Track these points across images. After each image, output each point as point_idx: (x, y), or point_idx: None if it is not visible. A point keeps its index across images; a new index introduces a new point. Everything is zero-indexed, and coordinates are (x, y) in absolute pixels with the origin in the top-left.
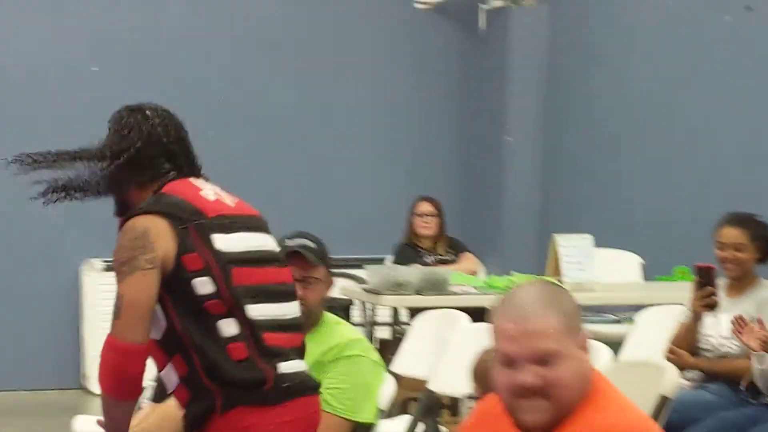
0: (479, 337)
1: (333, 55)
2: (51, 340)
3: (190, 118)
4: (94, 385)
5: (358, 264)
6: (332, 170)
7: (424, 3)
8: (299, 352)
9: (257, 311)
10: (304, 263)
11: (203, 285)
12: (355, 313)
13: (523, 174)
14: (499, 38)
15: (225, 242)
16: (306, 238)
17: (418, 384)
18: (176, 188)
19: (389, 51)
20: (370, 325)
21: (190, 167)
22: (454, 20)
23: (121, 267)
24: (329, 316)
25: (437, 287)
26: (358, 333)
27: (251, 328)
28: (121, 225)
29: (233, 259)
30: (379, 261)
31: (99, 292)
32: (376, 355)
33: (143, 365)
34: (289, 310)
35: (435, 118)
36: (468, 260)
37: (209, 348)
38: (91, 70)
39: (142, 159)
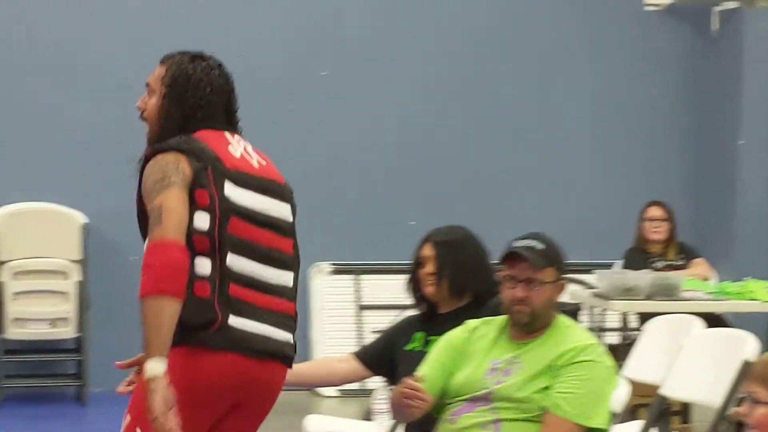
0: (713, 343)
1: (564, 60)
2: None
3: (418, 119)
4: (325, 388)
5: (587, 269)
6: (564, 175)
7: (655, 5)
8: (278, 320)
9: (235, 262)
10: (528, 264)
11: (201, 220)
12: (583, 318)
13: (756, 178)
14: (732, 40)
15: (234, 192)
16: (537, 239)
17: (649, 389)
18: (205, 136)
19: (620, 54)
20: (598, 330)
21: (228, 122)
22: (685, 22)
23: (155, 185)
24: (562, 320)
25: (668, 292)
26: (593, 337)
27: (222, 275)
28: (147, 159)
29: (236, 210)
30: (608, 266)
31: (327, 294)
32: (609, 361)
33: (188, 263)
34: (275, 275)
35: (666, 122)
36: (700, 266)
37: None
38: (321, 75)
39: (196, 105)
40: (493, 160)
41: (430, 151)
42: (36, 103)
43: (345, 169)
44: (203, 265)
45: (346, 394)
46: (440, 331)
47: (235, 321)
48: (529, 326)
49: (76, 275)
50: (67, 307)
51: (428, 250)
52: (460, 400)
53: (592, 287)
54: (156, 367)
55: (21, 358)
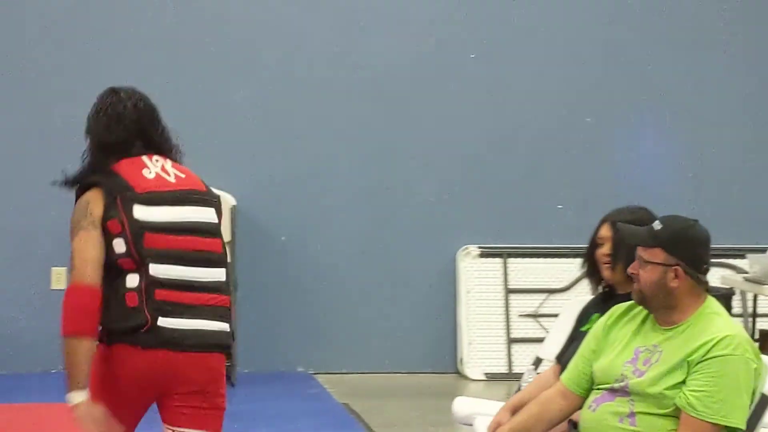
0: None
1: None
2: (428, 324)
3: (567, 103)
4: (471, 370)
5: (739, 253)
6: (716, 157)
7: None
8: (211, 313)
9: (159, 270)
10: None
11: (118, 245)
12: (736, 304)
13: None
14: None
15: (145, 213)
16: (663, 220)
17: None
18: (122, 166)
19: None
20: (750, 316)
21: (148, 146)
22: None
23: (72, 229)
24: (710, 306)
25: None
26: (734, 327)
27: (148, 283)
28: (77, 194)
29: (148, 227)
30: (761, 250)
31: (475, 278)
32: (751, 352)
33: (99, 303)
34: (204, 274)
35: None
36: None
37: (115, 295)
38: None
39: (110, 140)
40: (645, 146)
41: (578, 135)
42: (189, 87)
43: (493, 153)
44: (132, 280)
45: (494, 377)
46: None
47: (164, 322)
48: (648, 307)
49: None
50: None
51: (606, 231)
52: (601, 389)
53: (744, 272)
54: (76, 397)
55: None
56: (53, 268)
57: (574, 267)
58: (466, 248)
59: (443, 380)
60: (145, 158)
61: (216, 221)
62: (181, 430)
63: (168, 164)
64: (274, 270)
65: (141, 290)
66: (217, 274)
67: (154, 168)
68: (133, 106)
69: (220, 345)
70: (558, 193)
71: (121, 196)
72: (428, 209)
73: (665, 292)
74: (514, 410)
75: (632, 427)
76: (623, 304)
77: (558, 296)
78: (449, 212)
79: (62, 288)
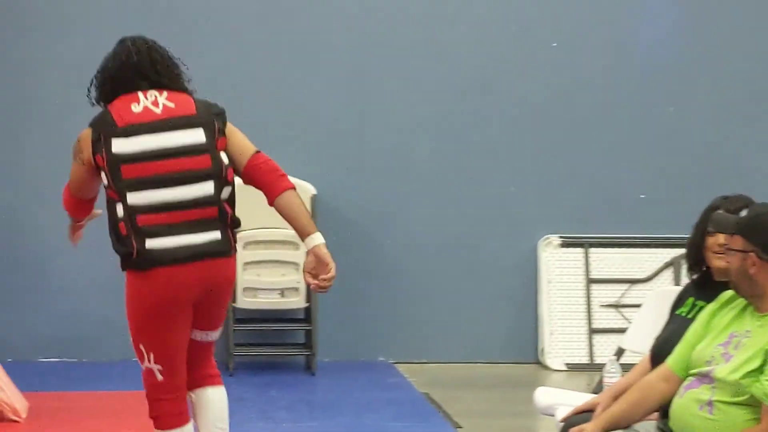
0: None
1: None
2: (509, 314)
3: (649, 94)
4: (552, 360)
5: None
6: None
7: None
8: (197, 227)
9: (136, 198)
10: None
11: (104, 177)
12: None
13: None
14: None
15: (122, 145)
16: (750, 209)
17: None
18: (115, 103)
19: None
20: None
21: (153, 82)
22: None
23: (72, 157)
24: None
25: None
26: None
27: (128, 212)
28: None
29: (124, 158)
30: None
31: (556, 267)
32: None
33: (80, 207)
34: (186, 192)
35: None
36: None
37: (112, 224)
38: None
39: (114, 80)
40: (729, 134)
41: (660, 124)
42: (273, 79)
43: (574, 143)
44: (119, 209)
45: (575, 368)
46: (709, 298)
47: (151, 243)
48: (740, 294)
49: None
50: (297, 277)
51: None
52: (693, 374)
53: None
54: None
55: (251, 327)
56: None
57: (656, 257)
58: (548, 238)
59: (524, 370)
60: (140, 93)
61: (203, 140)
62: (203, 332)
63: (162, 97)
64: (355, 260)
65: (126, 219)
66: (201, 190)
67: (144, 102)
68: (146, 51)
69: (212, 252)
70: (640, 182)
71: (104, 133)
72: (509, 199)
73: (747, 279)
74: (617, 396)
75: (709, 416)
76: (729, 291)
77: (640, 286)
78: (530, 202)
79: None
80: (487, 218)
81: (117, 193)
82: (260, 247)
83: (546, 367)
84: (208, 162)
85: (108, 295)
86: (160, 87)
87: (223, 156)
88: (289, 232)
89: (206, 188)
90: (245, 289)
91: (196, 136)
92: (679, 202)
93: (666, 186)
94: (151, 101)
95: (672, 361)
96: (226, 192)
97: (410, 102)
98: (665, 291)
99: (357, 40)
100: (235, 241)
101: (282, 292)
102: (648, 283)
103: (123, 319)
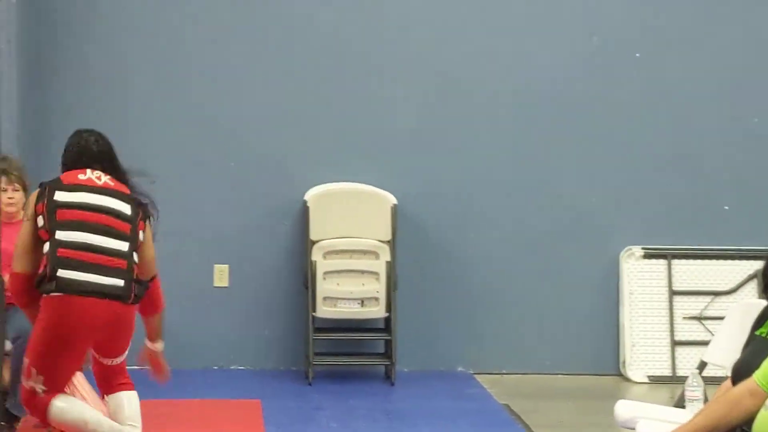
0: None
1: None
2: (590, 326)
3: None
4: (633, 373)
5: None
6: None
7: None
8: (106, 271)
9: (62, 235)
10: None
11: (40, 220)
12: None
13: None
14: None
15: (63, 196)
16: None
17: None
18: (67, 173)
19: None
20: None
21: (96, 164)
22: None
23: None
24: None
25: None
26: None
27: (54, 246)
28: None
29: (62, 205)
30: None
31: (638, 279)
32: None
33: (22, 286)
34: (107, 242)
35: None
36: None
37: (38, 257)
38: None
39: (69, 160)
40: None
41: (745, 135)
42: (350, 86)
43: (656, 154)
44: (46, 246)
45: (656, 380)
46: None
47: (63, 273)
48: None
49: (385, 255)
50: (377, 287)
51: None
52: None
53: None
54: None
55: (331, 336)
56: (216, 266)
57: (740, 269)
58: (630, 249)
59: (605, 382)
60: (89, 170)
61: (129, 213)
62: (108, 359)
63: (105, 177)
64: (435, 269)
65: (50, 252)
66: (118, 245)
67: (90, 174)
68: (93, 141)
69: (113, 294)
70: (724, 193)
71: (49, 187)
72: (591, 210)
73: None
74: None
75: None
76: None
77: (723, 299)
78: (612, 213)
79: (224, 285)
80: (568, 229)
81: (48, 231)
82: (340, 257)
83: (627, 380)
84: (128, 229)
85: (186, 304)
86: (103, 170)
87: (141, 234)
88: (369, 242)
89: (122, 245)
90: (325, 298)
91: (124, 208)
92: (763, 213)
93: (750, 197)
94: (95, 176)
95: (759, 375)
96: (135, 257)
97: (492, 113)
98: (749, 304)
99: (438, 51)
100: (136, 295)
101: (362, 301)
102: (731, 295)
103: (202, 328)
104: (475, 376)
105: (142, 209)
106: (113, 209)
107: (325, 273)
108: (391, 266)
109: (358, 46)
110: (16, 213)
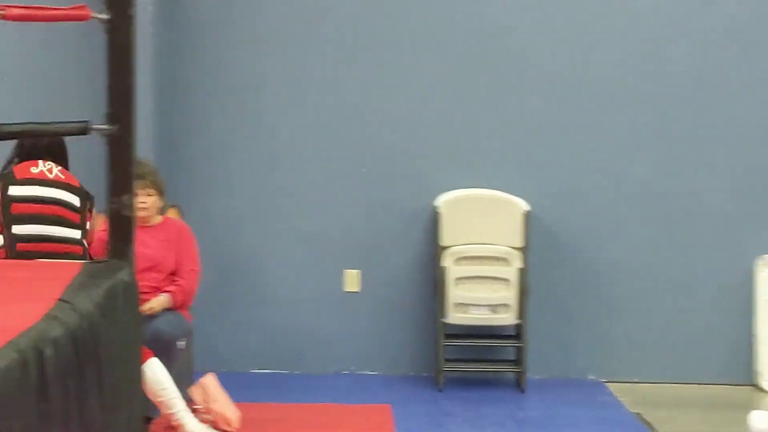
0: None
1: None
2: (724, 335)
3: None
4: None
5: None
6: None
7: None
8: (59, 257)
9: (18, 230)
10: None
11: None
12: None
13: None
14: None
15: (17, 190)
16: None
17: None
18: (20, 165)
19: None
20: None
21: (48, 157)
22: None
23: None
24: None
25: None
26: None
27: (11, 240)
28: None
29: (16, 200)
30: None
31: None
32: None
33: None
34: (59, 231)
35: None
36: None
37: None
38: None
39: (21, 153)
40: None
41: None
42: (482, 94)
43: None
44: (2, 239)
45: None
46: None
47: None
48: None
49: (517, 262)
50: (509, 294)
51: None
52: None
53: None
54: None
55: (461, 342)
56: (345, 271)
57: None
58: (765, 257)
59: (738, 392)
60: (40, 162)
61: (78, 204)
62: None
63: (56, 169)
64: (566, 276)
65: (7, 246)
66: (71, 233)
67: (41, 167)
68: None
69: None
70: None
71: (3, 182)
72: (723, 217)
73: None
74: None
75: None
76: None
77: None
78: (746, 221)
79: (355, 290)
80: (702, 237)
81: (4, 225)
82: (471, 263)
83: (762, 390)
84: (78, 218)
85: (317, 308)
86: (54, 161)
87: (88, 224)
88: (501, 249)
89: (75, 233)
90: (456, 304)
91: (74, 199)
92: None
93: None
94: (47, 168)
95: None
96: (86, 244)
97: (625, 120)
98: None
99: (569, 57)
100: None
101: (493, 308)
102: None
103: (333, 332)
104: (607, 384)
105: (90, 200)
106: (64, 201)
107: (457, 279)
108: (522, 273)
109: (490, 56)
110: (149, 217)
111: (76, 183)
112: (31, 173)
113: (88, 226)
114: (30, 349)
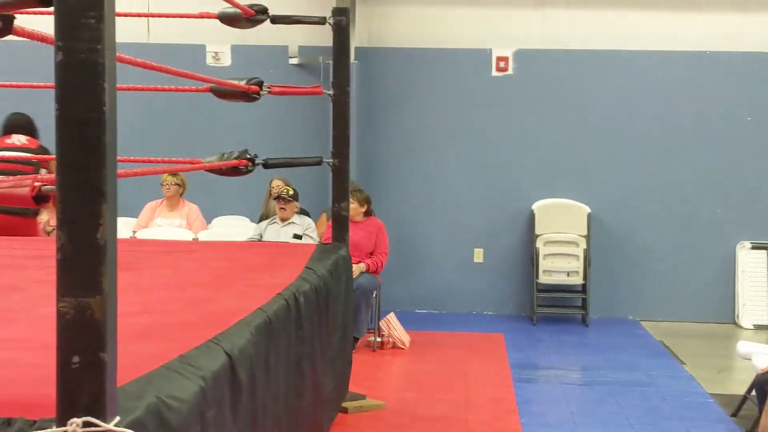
0: None
1: None
2: (714, 290)
3: None
4: (744, 321)
5: None
6: None
7: None
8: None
9: None
10: None
11: None
12: None
13: None
14: None
15: None
16: None
17: None
18: (2, 138)
19: None
20: None
21: (19, 130)
22: None
23: None
24: None
25: None
26: None
27: None
28: None
29: None
30: None
31: (748, 263)
32: None
33: None
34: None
35: None
36: None
37: None
38: None
39: (4, 129)
40: None
41: None
42: (561, 139)
43: None
44: None
45: (759, 327)
46: None
47: None
48: None
49: (583, 244)
50: (578, 264)
51: None
52: None
53: None
54: None
55: (547, 295)
56: (475, 249)
57: None
58: (743, 242)
59: (724, 328)
60: (13, 134)
61: (36, 162)
62: None
63: (23, 138)
64: (614, 253)
65: None
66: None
67: (14, 138)
68: (17, 119)
69: (15, 212)
70: None
71: None
72: (714, 217)
73: None
74: None
75: None
76: None
77: None
78: (733, 219)
79: (480, 261)
80: (703, 227)
81: None
82: (554, 245)
83: (740, 327)
84: (31, 169)
85: (457, 272)
86: (24, 134)
87: (43, 171)
88: (572, 236)
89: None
90: (544, 270)
91: (30, 154)
92: None
93: None
94: (16, 139)
95: None
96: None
97: (677, 134)
98: None
99: (633, 71)
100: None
101: (567, 273)
102: None
103: (466, 288)
104: (640, 321)
105: (46, 152)
106: (21, 159)
107: (545, 255)
108: (586, 252)
109: (570, 114)
110: (354, 216)
111: (35, 145)
112: (6, 143)
113: (42, 171)
114: (291, 297)
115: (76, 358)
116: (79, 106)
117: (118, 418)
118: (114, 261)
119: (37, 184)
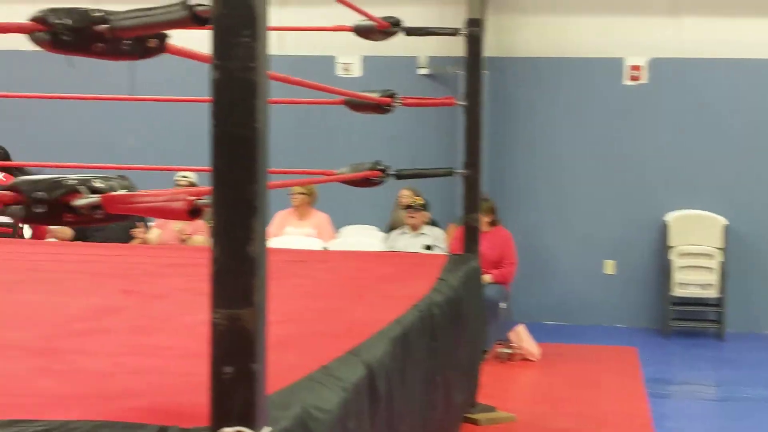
0: None
1: None
2: None
3: None
4: None
5: None
6: None
7: None
8: None
9: None
10: None
11: None
12: None
13: None
14: None
15: None
16: None
17: None
18: None
19: None
20: None
21: None
22: None
23: None
24: None
25: None
26: None
27: None
28: None
29: None
30: None
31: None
32: None
33: None
34: None
35: None
36: None
37: None
38: None
39: None
40: None
41: None
42: (696, 151)
43: None
44: None
45: None
46: None
47: None
48: None
49: (719, 257)
50: (713, 277)
51: None
52: None
53: None
54: None
55: (682, 308)
56: (606, 260)
57: None
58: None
59: None
60: None
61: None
62: None
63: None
64: (750, 266)
65: None
66: None
67: None
68: None
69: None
70: None
71: None
72: None
73: None
74: None
75: None
76: None
77: None
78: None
79: (611, 273)
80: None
81: None
82: (689, 258)
83: None
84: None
85: (587, 284)
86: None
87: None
88: (707, 248)
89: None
90: (678, 283)
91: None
92: None
93: None
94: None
95: None
96: None
97: None
98: None
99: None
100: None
101: (703, 286)
102: None
103: (596, 300)
104: None
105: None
106: None
107: (679, 267)
108: (722, 264)
109: (704, 127)
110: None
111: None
112: None
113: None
114: (426, 309)
115: (228, 369)
116: (234, 122)
117: (269, 429)
118: (264, 274)
119: (191, 198)
